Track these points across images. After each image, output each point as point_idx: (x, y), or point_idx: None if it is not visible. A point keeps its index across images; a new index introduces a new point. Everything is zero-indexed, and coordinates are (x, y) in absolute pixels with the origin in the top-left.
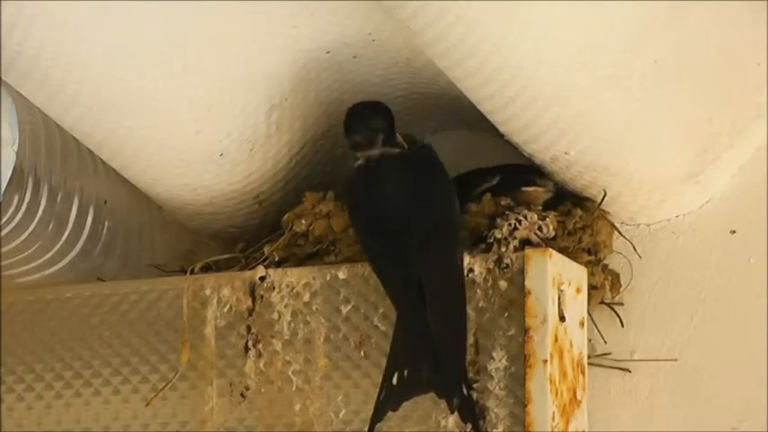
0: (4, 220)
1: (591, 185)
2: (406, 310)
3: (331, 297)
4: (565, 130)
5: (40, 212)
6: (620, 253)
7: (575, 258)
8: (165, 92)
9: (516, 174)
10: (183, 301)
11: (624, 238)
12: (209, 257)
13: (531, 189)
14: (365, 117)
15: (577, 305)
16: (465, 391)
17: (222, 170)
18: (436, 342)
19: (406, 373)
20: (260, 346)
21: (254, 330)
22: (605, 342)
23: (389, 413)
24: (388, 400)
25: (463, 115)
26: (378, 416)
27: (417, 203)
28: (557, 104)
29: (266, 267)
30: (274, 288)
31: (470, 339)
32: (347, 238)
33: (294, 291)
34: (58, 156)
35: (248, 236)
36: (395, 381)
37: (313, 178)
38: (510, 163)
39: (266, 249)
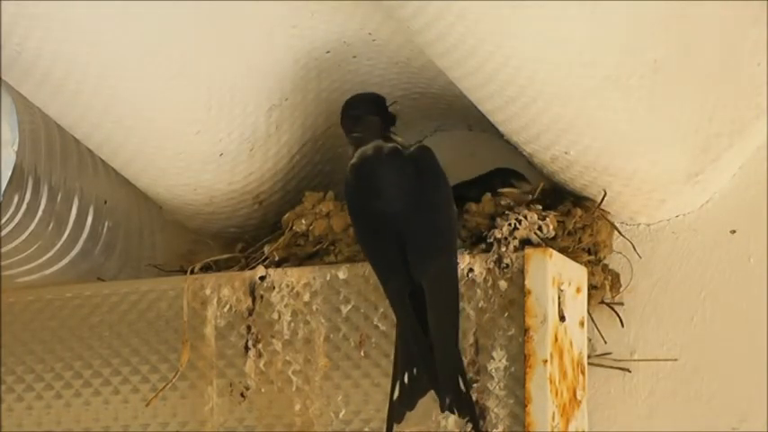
0: (4, 220)
1: (591, 185)
2: (403, 314)
3: (331, 297)
4: (565, 130)
5: (40, 212)
6: (620, 253)
7: (575, 258)
8: (165, 92)
9: (495, 179)
10: (183, 301)
11: (624, 238)
12: (209, 257)
13: (506, 190)
14: (360, 107)
15: (577, 305)
16: (463, 387)
17: (222, 170)
18: (434, 344)
19: (415, 371)
20: (260, 345)
21: (254, 330)
22: (605, 342)
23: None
24: (404, 400)
25: (463, 115)
26: (395, 416)
27: (418, 208)
28: (557, 104)
29: (266, 267)
30: (274, 288)
31: (470, 339)
32: (347, 237)
33: (294, 291)
34: (57, 156)
35: (248, 236)
36: (406, 380)
37: (313, 178)
38: (491, 170)
39: (266, 249)
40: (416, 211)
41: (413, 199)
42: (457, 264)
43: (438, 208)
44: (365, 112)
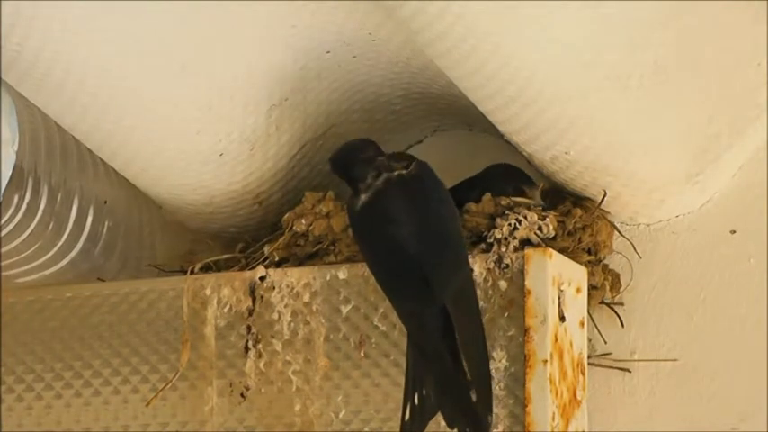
0: (4, 220)
1: (591, 185)
2: (423, 339)
3: (331, 297)
4: (565, 130)
5: (39, 212)
6: (620, 253)
7: (575, 258)
8: (165, 92)
9: (500, 181)
10: (183, 301)
11: (624, 238)
12: (210, 257)
13: (520, 200)
14: (353, 152)
15: (577, 305)
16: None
17: (222, 170)
18: (469, 363)
19: (424, 392)
20: (260, 346)
21: (254, 330)
22: (605, 342)
23: (391, 412)
24: (415, 421)
25: (463, 115)
26: None
27: (430, 230)
28: (557, 104)
29: (266, 267)
30: (274, 288)
31: None
32: (347, 238)
33: (294, 291)
34: (57, 156)
35: (248, 236)
36: (417, 401)
37: (313, 178)
38: (493, 165)
39: (266, 249)
40: (429, 233)
41: (424, 222)
42: (472, 275)
43: (447, 225)
44: (355, 158)
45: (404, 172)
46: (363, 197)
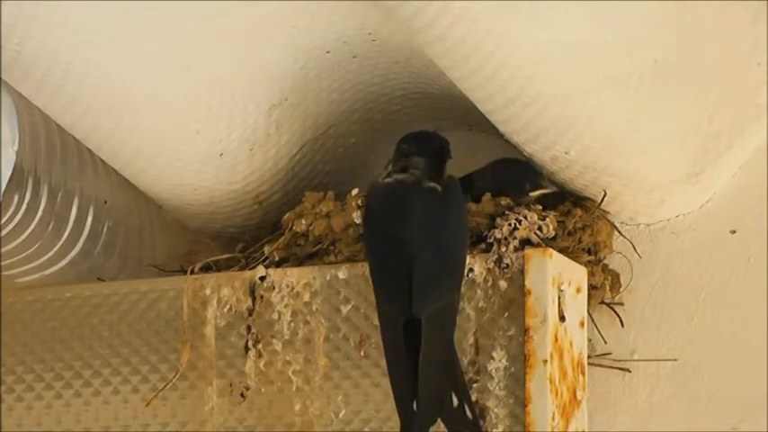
0: (4, 220)
1: (591, 185)
2: (391, 344)
3: (331, 297)
4: (565, 130)
5: (40, 212)
6: (620, 253)
7: (575, 258)
8: (165, 91)
9: (515, 179)
10: (183, 301)
11: (624, 238)
12: (209, 257)
13: (537, 193)
14: (414, 142)
15: (577, 305)
16: (468, 413)
17: (222, 170)
18: (420, 381)
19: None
20: (260, 346)
21: (254, 330)
22: (605, 342)
23: (391, 412)
24: (413, 427)
25: (463, 115)
26: None
27: (434, 243)
28: (557, 104)
29: (266, 267)
30: (274, 288)
31: (470, 339)
32: (347, 238)
33: (294, 291)
34: (57, 156)
35: (248, 236)
36: (415, 407)
37: (313, 178)
38: (497, 162)
39: (266, 249)
40: (432, 246)
41: (431, 233)
42: (459, 303)
43: (454, 246)
44: (416, 150)
45: (437, 185)
46: (387, 180)
